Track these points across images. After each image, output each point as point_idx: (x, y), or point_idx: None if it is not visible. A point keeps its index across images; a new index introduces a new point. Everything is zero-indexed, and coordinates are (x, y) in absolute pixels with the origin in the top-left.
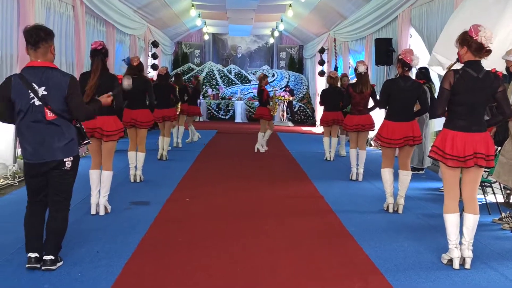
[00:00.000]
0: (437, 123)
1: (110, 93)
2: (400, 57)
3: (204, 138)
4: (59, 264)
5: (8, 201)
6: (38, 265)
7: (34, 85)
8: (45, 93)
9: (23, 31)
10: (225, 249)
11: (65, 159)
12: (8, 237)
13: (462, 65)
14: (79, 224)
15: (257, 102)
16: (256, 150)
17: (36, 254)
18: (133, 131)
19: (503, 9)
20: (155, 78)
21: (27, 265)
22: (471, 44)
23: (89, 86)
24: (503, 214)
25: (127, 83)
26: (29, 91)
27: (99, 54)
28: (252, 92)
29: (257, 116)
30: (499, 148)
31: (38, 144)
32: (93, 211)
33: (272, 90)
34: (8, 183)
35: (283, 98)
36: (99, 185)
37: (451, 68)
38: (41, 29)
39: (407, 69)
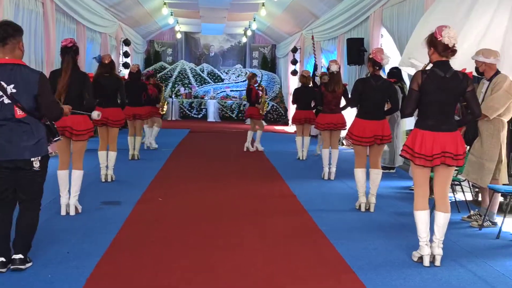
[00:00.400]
0: (408, 123)
1: (70, 106)
2: (370, 56)
3: (176, 137)
4: (28, 264)
5: None
6: (4, 270)
7: (3, 83)
8: (14, 90)
9: None
10: (199, 249)
11: (32, 159)
12: None
13: None
14: (49, 225)
15: (230, 101)
16: (245, 149)
17: (2, 259)
18: (104, 130)
19: (472, 10)
20: (127, 76)
21: None
22: (437, 45)
23: (61, 86)
24: (472, 212)
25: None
26: None
27: (70, 51)
28: (225, 91)
29: (247, 116)
30: (469, 147)
31: (6, 142)
32: (63, 212)
33: (259, 88)
34: None
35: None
36: (68, 186)
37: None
38: (9, 25)
39: (377, 68)
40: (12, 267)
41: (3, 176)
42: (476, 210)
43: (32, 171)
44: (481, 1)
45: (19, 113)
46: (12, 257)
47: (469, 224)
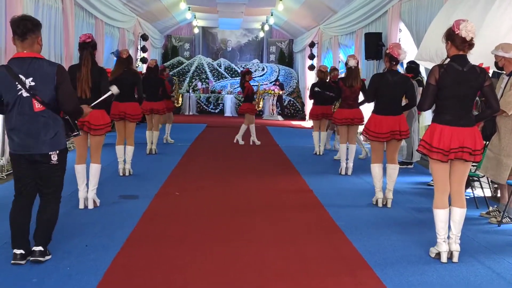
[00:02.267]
0: (428, 118)
1: (88, 107)
2: (387, 51)
3: (193, 132)
4: (47, 257)
5: None
6: (23, 262)
7: (21, 76)
8: (32, 84)
9: (10, 22)
10: (215, 244)
11: (50, 153)
12: None
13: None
14: (68, 218)
15: None
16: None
17: (22, 251)
18: (121, 124)
19: (494, 5)
20: (144, 71)
21: (12, 262)
22: (454, 39)
23: (85, 81)
24: (491, 208)
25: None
26: (16, 83)
27: (88, 47)
28: None
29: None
30: (487, 142)
31: (25, 136)
32: (81, 205)
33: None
34: None
35: (272, 92)
36: (85, 180)
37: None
38: (29, 20)
39: (394, 63)
40: (31, 258)
41: (23, 170)
42: (495, 206)
43: (50, 164)
44: None
45: (37, 106)
46: (32, 249)
47: (487, 220)
